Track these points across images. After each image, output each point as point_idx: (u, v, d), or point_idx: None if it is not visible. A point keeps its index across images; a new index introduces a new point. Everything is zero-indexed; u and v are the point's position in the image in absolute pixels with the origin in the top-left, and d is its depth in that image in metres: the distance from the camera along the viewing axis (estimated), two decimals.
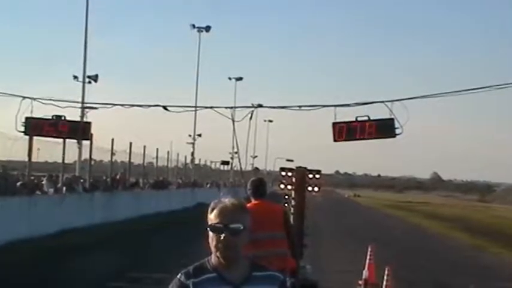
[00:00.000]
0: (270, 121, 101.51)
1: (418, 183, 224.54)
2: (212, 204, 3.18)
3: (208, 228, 3.12)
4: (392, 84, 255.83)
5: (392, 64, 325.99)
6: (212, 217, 3.13)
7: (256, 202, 7.87)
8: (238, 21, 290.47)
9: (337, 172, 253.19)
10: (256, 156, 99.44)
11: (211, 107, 13.36)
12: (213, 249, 3.11)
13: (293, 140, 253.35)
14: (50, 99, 14.10)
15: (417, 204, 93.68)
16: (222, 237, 3.08)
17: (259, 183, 8.17)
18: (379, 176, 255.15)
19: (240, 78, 78.66)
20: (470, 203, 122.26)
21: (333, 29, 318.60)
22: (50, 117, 14.73)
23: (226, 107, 13.12)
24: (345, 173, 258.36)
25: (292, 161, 78.11)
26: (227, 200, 3.17)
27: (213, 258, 3.14)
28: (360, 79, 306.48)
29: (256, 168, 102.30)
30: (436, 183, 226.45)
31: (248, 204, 7.64)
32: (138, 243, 20.98)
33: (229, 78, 78.20)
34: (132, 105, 13.50)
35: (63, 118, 14.76)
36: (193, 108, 13.81)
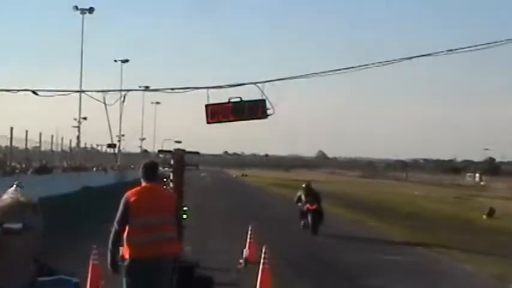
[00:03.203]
0: (158, 103, 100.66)
1: (305, 162, 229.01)
2: None
3: None
4: (265, 68, 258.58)
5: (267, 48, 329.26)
6: None
7: (147, 185, 7.80)
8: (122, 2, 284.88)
9: (225, 152, 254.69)
10: (144, 139, 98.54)
11: (82, 91, 13.31)
12: None
13: (182, 121, 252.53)
14: None
15: (302, 181, 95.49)
16: None
17: (151, 165, 8.02)
18: (266, 155, 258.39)
19: (126, 61, 77.54)
20: (352, 179, 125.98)
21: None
22: None
23: (98, 91, 13.10)
24: (234, 153, 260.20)
25: (180, 142, 77.69)
26: (11, 196, 2.73)
27: None
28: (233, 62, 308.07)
29: (145, 150, 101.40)
30: (322, 161, 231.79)
31: (139, 187, 7.79)
32: None
33: (115, 61, 76.99)
34: (1, 90, 13.24)
35: None
36: (65, 93, 13.55)
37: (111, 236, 7.58)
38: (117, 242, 7.54)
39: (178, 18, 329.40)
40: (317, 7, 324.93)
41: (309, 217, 22.81)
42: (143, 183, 7.85)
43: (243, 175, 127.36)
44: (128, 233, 7.51)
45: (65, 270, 2.95)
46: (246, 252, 15.26)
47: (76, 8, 60.13)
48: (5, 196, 2.70)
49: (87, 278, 11.20)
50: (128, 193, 7.68)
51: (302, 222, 23.39)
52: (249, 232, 15.68)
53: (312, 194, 23.66)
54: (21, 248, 2.64)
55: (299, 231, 22.97)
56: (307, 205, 23.03)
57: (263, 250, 12.15)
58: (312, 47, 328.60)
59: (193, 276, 11.12)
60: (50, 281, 2.80)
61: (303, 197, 23.59)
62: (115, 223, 7.57)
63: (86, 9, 60.15)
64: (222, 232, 22.09)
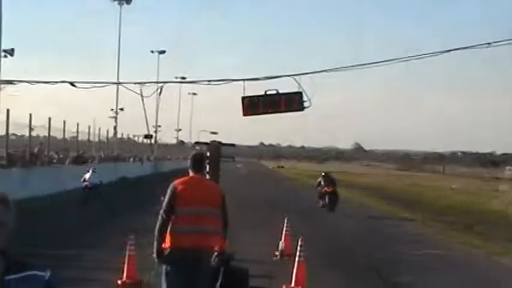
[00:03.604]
0: (194, 94, 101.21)
1: (340, 154, 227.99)
2: None
3: None
4: (301, 60, 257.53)
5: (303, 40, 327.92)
6: None
7: (195, 176, 7.85)
8: None
9: (261, 144, 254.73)
10: (180, 130, 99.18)
11: (119, 83, 13.37)
12: None
13: (219, 112, 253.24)
14: None
15: (337, 173, 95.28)
16: None
17: (200, 157, 8.21)
18: (302, 147, 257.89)
19: (163, 52, 77.96)
20: (388, 171, 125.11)
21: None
22: None
23: (134, 83, 13.15)
24: (270, 145, 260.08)
25: (216, 133, 78.09)
26: None
27: None
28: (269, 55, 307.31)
29: (181, 141, 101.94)
30: (358, 153, 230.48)
31: (186, 177, 7.81)
32: (55, 220, 20.87)
33: (152, 52, 77.45)
34: (39, 82, 13.35)
35: None
36: (102, 84, 13.61)
37: (158, 224, 7.58)
38: (164, 231, 7.54)
39: (216, 8, 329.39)
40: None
41: (326, 198, 28.06)
42: (191, 174, 7.86)
43: (279, 167, 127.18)
44: (173, 221, 7.52)
45: (44, 263, 2.79)
46: (281, 244, 15.22)
47: None
48: None
49: (123, 268, 11.27)
50: (175, 182, 7.70)
51: (321, 203, 28.64)
52: (285, 224, 15.62)
53: (330, 180, 28.95)
54: None
55: (336, 224, 22.94)
56: (325, 188, 28.38)
57: (299, 243, 12.10)
58: (348, 40, 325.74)
59: (228, 267, 11.10)
60: (18, 279, 2.64)
61: (322, 182, 28.97)
62: (161, 211, 7.58)
63: (123, 0, 60.53)
64: (258, 224, 22.06)
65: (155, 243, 7.63)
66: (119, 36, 62.06)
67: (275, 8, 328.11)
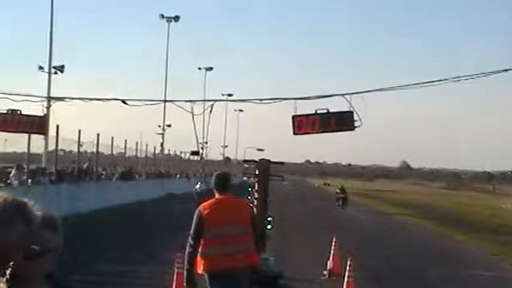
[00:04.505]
0: (241, 111, 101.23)
1: (387, 172, 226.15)
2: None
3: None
4: (351, 77, 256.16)
5: (353, 57, 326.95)
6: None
7: (221, 197, 7.69)
8: (208, 11, 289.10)
9: (307, 161, 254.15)
10: (226, 146, 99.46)
11: (170, 101, 13.40)
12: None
13: (264, 130, 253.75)
14: (4, 93, 13.84)
15: (385, 192, 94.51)
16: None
17: (224, 177, 7.95)
18: (349, 165, 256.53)
19: (210, 69, 78.38)
20: (436, 190, 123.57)
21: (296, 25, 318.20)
22: (5, 112, 14.27)
23: (186, 101, 13.17)
24: (316, 162, 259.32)
25: (262, 150, 77.75)
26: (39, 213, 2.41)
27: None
28: (320, 72, 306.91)
29: (227, 158, 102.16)
30: (405, 172, 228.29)
31: (212, 200, 7.72)
32: (104, 236, 20.97)
33: (199, 68, 77.93)
34: (91, 99, 13.49)
35: (18, 112, 14.31)
36: (154, 102, 13.67)
37: (187, 252, 7.50)
38: (193, 257, 7.45)
39: (264, 27, 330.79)
40: (404, 22, 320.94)
41: (341, 201, 46.53)
42: (216, 195, 7.74)
43: (325, 184, 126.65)
44: (202, 245, 7.42)
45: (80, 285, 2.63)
46: (330, 263, 15.00)
47: (162, 16, 61.28)
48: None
49: (172, 285, 11.21)
50: (201, 206, 7.59)
51: (337, 203, 46.58)
52: (333, 243, 15.41)
53: (343, 190, 47.88)
54: (37, 270, 2.40)
55: (385, 241, 22.65)
56: (340, 194, 47.38)
57: (348, 262, 11.90)
58: (394, 60, 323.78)
59: (277, 286, 11.00)
60: None
61: (338, 191, 48.73)
62: (189, 238, 7.49)
63: (171, 18, 61.17)
64: (305, 242, 21.87)
65: (184, 271, 7.56)
66: (167, 53, 62.67)
67: (325, 27, 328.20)
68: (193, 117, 12.92)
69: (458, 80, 12.75)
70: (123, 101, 13.05)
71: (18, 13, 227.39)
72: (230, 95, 66.15)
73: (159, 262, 14.65)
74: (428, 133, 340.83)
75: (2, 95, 14.01)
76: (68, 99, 13.84)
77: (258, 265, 8.11)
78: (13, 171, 23.99)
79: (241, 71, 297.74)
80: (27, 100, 14.29)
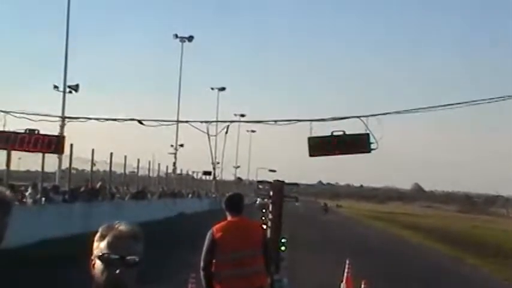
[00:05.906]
0: (253, 131, 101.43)
1: (400, 194, 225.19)
2: (102, 230, 2.63)
3: (97, 259, 2.56)
4: (367, 99, 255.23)
5: (369, 79, 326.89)
6: (103, 246, 2.56)
7: (234, 220, 7.62)
8: (221, 32, 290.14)
9: (319, 182, 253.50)
10: (238, 167, 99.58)
11: (186, 121, 13.42)
12: (101, 283, 2.52)
13: (276, 150, 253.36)
14: (23, 113, 13.88)
15: (398, 214, 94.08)
16: (117, 271, 2.50)
17: (237, 199, 7.86)
18: (361, 186, 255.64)
19: (223, 89, 78.70)
20: (449, 213, 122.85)
21: (312, 44, 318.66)
22: (23, 131, 14.31)
23: (201, 121, 13.21)
24: (328, 183, 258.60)
25: (274, 171, 77.67)
26: (121, 226, 2.63)
27: None
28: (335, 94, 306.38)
29: (239, 178, 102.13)
30: (418, 194, 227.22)
31: (224, 222, 7.68)
32: None
33: (212, 89, 78.27)
34: (107, 119, 13.51)
35: (36, 132, 14.36)
36: (170, 122, 13.72)
37: (202, 276, 7.49)
38: (210, 281, 7.43)
39: (282, 47, 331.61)
40: (424, 44, 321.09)
41: (324, 211, 78.77)
42: (228, 217, 7.68)
43: (337, 206, 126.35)
44: (215, 268, 7.38)
45: None
46: (343, 286, 14.93)
47: (176, 36, 61.68)
48: (115, 226, 2.61)
49: None
50: (213, 229, 7.53)
51: (323, 212, 76.92)
52: (346, 266, 15.32)
53: (325, 205, 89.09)
54: (133, 280, 2.55)
55: (397, 265, 22.53)
56: (324, 206, 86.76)
57: (362, 286, 11.82)
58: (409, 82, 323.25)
59: None
60: None
61: (322, 205, 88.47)
62: (202, 262, 7.46)
63: (185, 38, 61.55)
64: (319, 264, 21.76)
65: None
66: (180, 73, 63.01)
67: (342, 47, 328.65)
68: (209, 138, 12.96)
69: (475, 104, 12.69)
70: (140, 121, 13.09)
71: (34, 32, 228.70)
72: (243, 115, 66.39)
73: (172, 282, 14.60)
74: (440, 155, 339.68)
75: (19, 115, 14.02)
76: (83, 119, 13.84)
77: (265, 285, 8.09)
78: (29, 190, 24.06)
79: (253, 91, 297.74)
80: (45, 120, 14.30)
